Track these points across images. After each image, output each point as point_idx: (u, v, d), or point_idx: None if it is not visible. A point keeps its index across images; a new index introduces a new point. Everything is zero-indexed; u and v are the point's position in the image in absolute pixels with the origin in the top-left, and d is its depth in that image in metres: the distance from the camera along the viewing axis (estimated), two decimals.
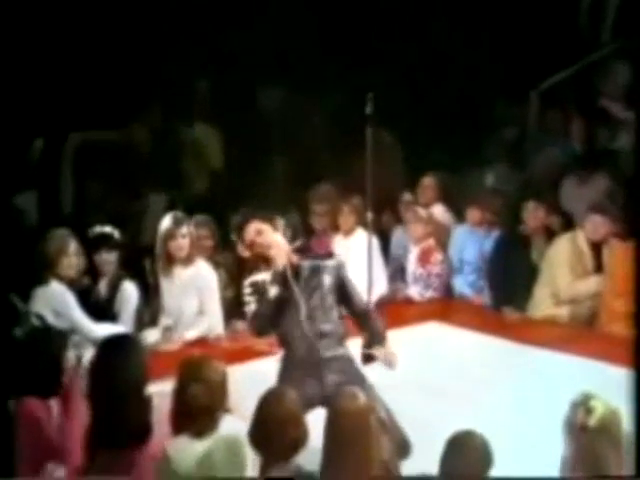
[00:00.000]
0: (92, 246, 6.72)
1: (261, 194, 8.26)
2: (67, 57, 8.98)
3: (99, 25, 9.10)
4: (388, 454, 4.37)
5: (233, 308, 6.81)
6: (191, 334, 6.78)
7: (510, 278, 7.50)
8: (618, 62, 9.17)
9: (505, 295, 7.50)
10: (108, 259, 6.76)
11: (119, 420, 4.22)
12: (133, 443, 4.22)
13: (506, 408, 5.77)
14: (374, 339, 5.38)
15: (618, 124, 8.77)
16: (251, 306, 5.32)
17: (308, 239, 7.68)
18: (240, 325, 6.72)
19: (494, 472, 4.20)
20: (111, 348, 4.45)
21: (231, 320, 6.96)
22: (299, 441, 4.16)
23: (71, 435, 4.54)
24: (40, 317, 5.98)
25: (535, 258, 7.57)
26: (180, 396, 4.26)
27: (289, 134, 9.28)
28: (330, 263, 5.42)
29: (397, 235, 8.34)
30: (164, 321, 6.83)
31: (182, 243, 6.76)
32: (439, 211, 8.25)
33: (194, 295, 6.81)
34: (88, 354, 4.78)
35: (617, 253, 7.08)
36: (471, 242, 7.91)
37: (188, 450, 4.20)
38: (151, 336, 6.70)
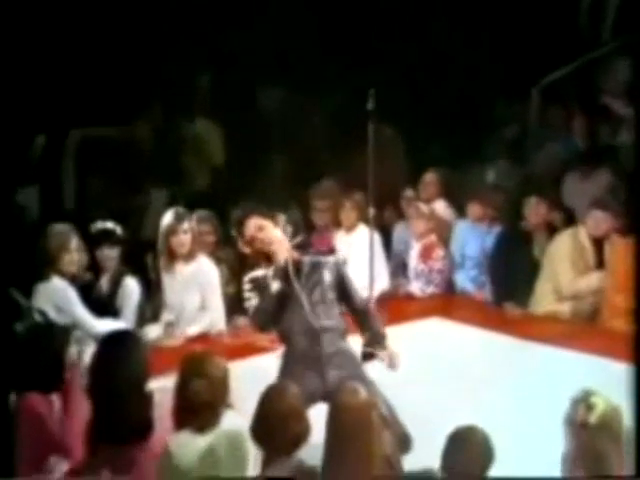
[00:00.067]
0: (94, 242, 6.73)
1: (262, 190, 8.27)
2: (69, 53, 8.99)
3: (102, 23, 9.11)
4: (390, 449, 4.38)
5: (235, 304, 6.81)
6: (193, 330, 6.78)
7: (512, 274, 7.51)
8: (619, 59, 9.17)
9: (507, 291, 7.50)
10: (110, 255, 6.77)
11: (120, 416, 4.22)
12: (134, 439, 4.22)
13: (507, 403, 5.77)
14: (374, 337, 5.39)
15: (619, 120, 8.77)
16: (251, 302, 5.33)
17: (309, 235, 7.68)
18: (242, 321, 6.71)
19: (495, 467, 4.21)
20: (112, 344, 4.45)
21: (233, 316, 6.96)
22: (301, 436, 4.17)
23: (72, 430, 4.54)
24: (42, 313, 5.98)
25: (537, 254, 7.57)
26: (182, 392, 4.27)
27: (291, 130, 9.29)
28: (330, 259, 5.44)
29: (399, 231, 8.34)
30: (166, 317, 6.83)
31: (184, 239, 6.77)
32: (441, 207, 8.25)
33: (196, 291, 6.81)
34: (90, 350, 4.79)
35: (619, 249, 7.08)
36: (473, 238, 7.91)
37: (190, 445, 4.20)
38: (153, 332, 6.70)
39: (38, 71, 8.67)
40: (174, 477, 4.21)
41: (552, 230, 7.61)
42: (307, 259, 5.35)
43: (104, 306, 6.60)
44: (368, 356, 5.38)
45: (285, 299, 5.26)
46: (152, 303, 6.91)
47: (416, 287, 7.89)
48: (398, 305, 7.57)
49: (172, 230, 6.76)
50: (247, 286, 5.37)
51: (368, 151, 6.65)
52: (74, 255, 6.41)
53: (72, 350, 4.86)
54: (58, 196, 9.17)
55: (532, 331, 6.96)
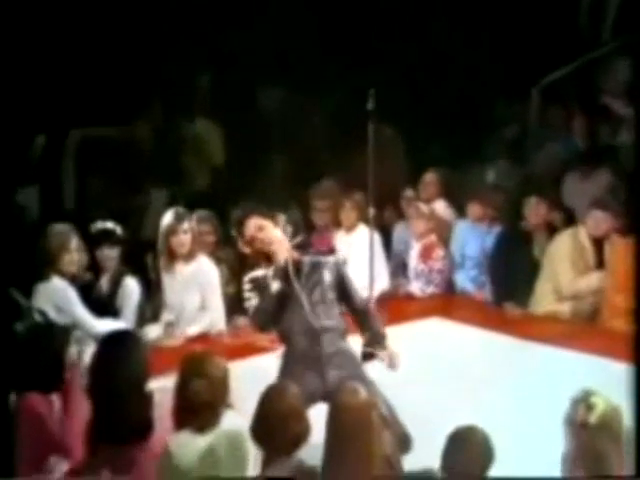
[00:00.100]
0: (94, 242, 6.73)
1: (263, 190, 8.27)
2: (69, 53, 8.99)
3: (102, 23, 9.11)
4: (390, 449, 4.38)
5: (235, 304, 6.81)
6: (193, 330, 6.78)
7: (512, 274, 7.51)
8: (619, 59, 9.18)
9: (507, 291, 7.50)
10: (110, 255, 6.77)
11: (120, 416, 4.22)
12: (134, 439, 4.22)
13: (507, 403, 5.77)
14: (374, 337, 5.39)
15: (619, 120, 8.77)
16: (251, 302, 5.33)
17: (309, 235, 7.68)
18: (242, 321, 6.71)
19: (495, 468, 4.21)
20: (112, 344, 4.45)
21: (233, 316, 6.96)
22: (301, 436, 4.18)
23: (72, 430, 4.54)
24: (42, 313, 5.98)
25: (537, 254, 7.57)
26: (182, 392, 4.27)
27: (291, 130, 9.29)
28: (330, 259, 5.44)
29: (399, 231, 8.34)
30: (166, 317, 6.83)
31: (184, 239, 6.77)
32: (441, 207, 8.25)
33: (196, 291, 6.81)
34: (90, 350, 4.79)
35: (619, 249, 7.08)
36: (473, 238, 7.91)
37: (190, 445, 4.20)
38: (153, 332, 6.70)
39: (38, 71, 8.67)
40: (174, 477, 4.21)
41: (552, 230, 7.61)
42: (307, 259, 5.35)
43: (104, 306, 6.60)
44: (368, 356, 5.38)
45: (285, 299, 5.26)
46: (152, 303, 6.91)
47: (416, 287, 7.89)
48: (398, 305, 7.56)
49: (172, 230, 6.76)
50: (247, 286, 5.37)
51: (368, 151, 6.65)
52: (74, 255, 6.40)
53: (72, 350, 4.86)
54: (58, 196, 9.17)
55: (532, 331, 6.96)
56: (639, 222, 6.36)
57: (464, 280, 7.91)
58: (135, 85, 9.14)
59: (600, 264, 7.30)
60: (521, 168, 8.90)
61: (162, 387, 4.42)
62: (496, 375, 6.18)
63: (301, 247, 5.46)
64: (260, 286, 5.30)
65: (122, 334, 4.85)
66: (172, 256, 6.79)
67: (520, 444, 5.06)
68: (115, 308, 6.67)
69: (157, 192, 9.02)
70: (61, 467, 4.53)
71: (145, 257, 7.31)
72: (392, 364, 5.35)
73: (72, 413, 4.60)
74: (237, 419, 4.30)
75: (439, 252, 7.91)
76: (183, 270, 6.80)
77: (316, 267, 5.34)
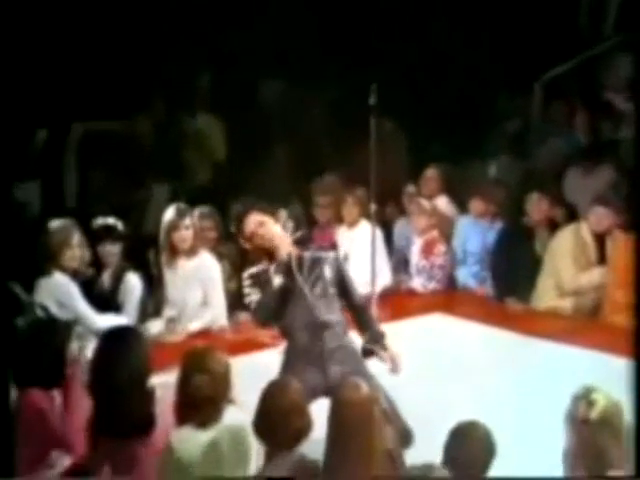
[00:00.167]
0: (96, 237, 6.73)
1: (264, 185, 8.26)
2: (71, 48, 8.99)
3: (104, 19, 9.12)
4: (391, 444, 4.38)
5: (236, 299, 6.80)
6: (195, 325, 6.78)
7: (513, 269, 7.50)
8: (621, 54, 9.17)
9: (508, 286, 7.49)
10: (112, 250, 6.77)
11: (122, 412, 4.23)
12: (136, 434, 4.23)
13: (509, 399, 5.77)
14: (374, 337, 5.39)
15: (621, 116, 8.77)
16: (251, 297, 5.33)
17: (311, 231, 7.69)
18: (243, 316, 6.72)
19: (497, 463, 4.21)
20: (114, 339, 4.46)
21: (235, 311, 6.96)
22: (303, 431, 4.18)
23: (73, 426, 4.55)
24: (44, 308, 5.98)
25: (538, 250, 7.57)
26: (184, 387, 4.27)
27: (292, 126, 9.29)
28: (331, 255, 5.43)
29: (400, 227, 8.33)
30: (168, 312, 6.83)
31: (185, 235, 6.77)
32: (442, 203, 8.25)
33: (198, 286, 6.81)
34: (91, 345, 4.79)
35: (620, 245, 7.08)
36: (474, 233, 7.91)
37: (192, 440, 4.21)
38: (155, 327, 6.70)
39: (40, 66, 8.67)
40: (176, 472, 4.21)
41: (554, 226, 7.61)
42: (308, 254, 5.35)
43: (106, 302, 6.60)
44: (369, 353, 5.37)
45: (287, 294, 5.25)
46: (154, 299, 6.91)
47: (418, 283, 7.88)
48: (400, 301, 7.57)
49: (174, 226, 6.76)
50: (246, 282, 5.36)
51: (370, 147, 6.65)
52: (76, 251, 6.41)
53: (74, 346, 4.86)
54: (60, 191, 9.17)
55: (534, 327, 6.96)
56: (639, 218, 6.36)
57: (466, 276, 7.90)
58: (137, 80, 9.14)
59: (602, 260, 7.29)
60: (523, 163, 8.90)
61: (164, 383, 4.42)
62: (498, 370, 6.18)
63: (301, 242, 5.46)
64: (261, 281, 5.30)
65: (124, 330, 4.86)
66: (174, 252, 6.79)
67: (522, 439, 5.06)
68: (117, 304, 6.67)
69: (159, 187, 9.01)
70: (63, 462, 4.53)
71: (147, 253, 7.32)
72: (394, 368, 5.33)
73: (73, 409, 4.60)
74: (239, 414, 4.30)
75: (441, 248, 7.91)
76: (185, 266, 6.81)
77: (317, 262, 5.34)
